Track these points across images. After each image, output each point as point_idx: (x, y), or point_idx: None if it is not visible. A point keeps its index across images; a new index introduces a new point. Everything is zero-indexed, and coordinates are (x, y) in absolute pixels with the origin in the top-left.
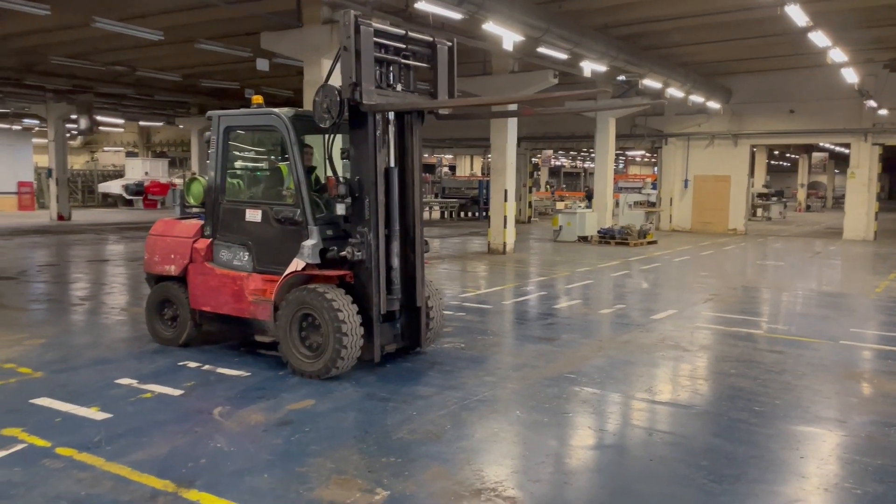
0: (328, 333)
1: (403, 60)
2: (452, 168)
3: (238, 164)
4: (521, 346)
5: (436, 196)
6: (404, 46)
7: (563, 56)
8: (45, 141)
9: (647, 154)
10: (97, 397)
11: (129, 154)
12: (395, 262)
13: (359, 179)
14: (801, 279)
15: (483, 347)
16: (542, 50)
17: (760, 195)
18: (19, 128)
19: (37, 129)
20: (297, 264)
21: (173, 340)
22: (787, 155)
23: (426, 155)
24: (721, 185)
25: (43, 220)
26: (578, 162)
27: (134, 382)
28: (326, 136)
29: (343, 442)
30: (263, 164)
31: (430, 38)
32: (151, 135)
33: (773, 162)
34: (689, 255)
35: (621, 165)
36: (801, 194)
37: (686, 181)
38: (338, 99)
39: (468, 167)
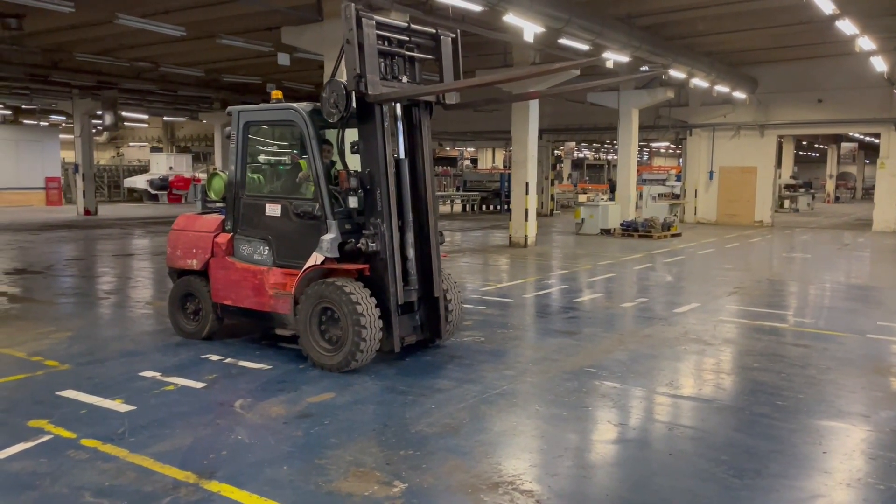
0: (347, 326)
1: (408, 52)
2: (474, 161)
3: (258, 158)
4: (541, 339)
5: (457, 189)
6: (408, 38)
7: (584, 47)
8: (72, 137)
9: (672, 145)
10: (122, 389)
11: (154, 149)
12: (410, 252)
13: (369, 172)
14: (828, 272)
15: (503, 341)
16: (563, 41)
17: (788, 186)
18: (46, 124)
19: (63, 125)
20: (316, 258)
21: (196, 334)
22: (816, 145)
23: (448, 148)
24: (747, 176)
25: (70, 215)
26: (602, 154)
27: (157, 375)
28: (338, 130)
29: (362, 434)
30: (283, 159)
31: (434, 30)
32: (176, 130)
33: (801, 152)
34: (714, 248)
35: (645, 157)
36: (830, 185)
37: (711, 172)
38: (344, 92)
39: (490, 160)
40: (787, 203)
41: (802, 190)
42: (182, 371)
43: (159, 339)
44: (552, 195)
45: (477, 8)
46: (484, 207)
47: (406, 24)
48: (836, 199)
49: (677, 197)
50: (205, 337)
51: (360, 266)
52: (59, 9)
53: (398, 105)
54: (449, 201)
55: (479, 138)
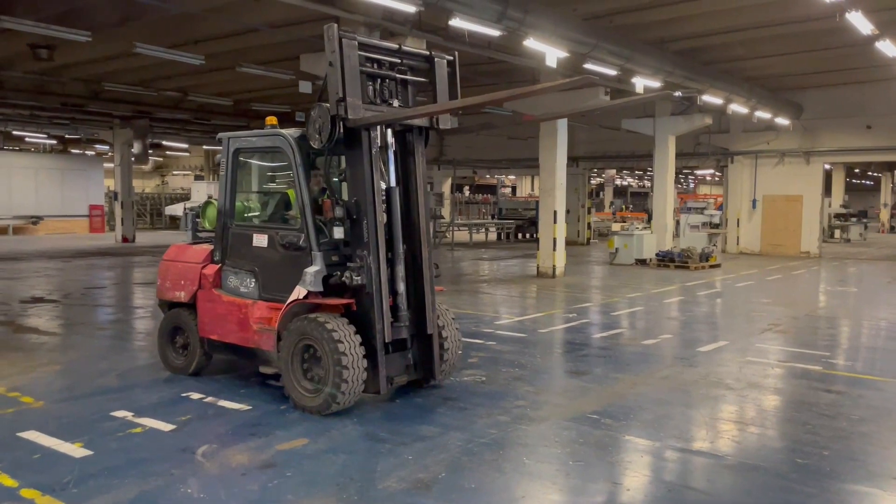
0: (328, 366)
1: (399, 75)
2: (514, 189)
3: (246, 186)
4: (547, 380)
5: (493, 217)
6: (399, 61)
7: (612, 72)
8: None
9: (718, 173)
10: (85, 431)
11: (198, 177)
12: (401, 286)
13: (356, 200)
14: (874, 308)
15: (505, 381)
16: (588, 66)
17: (838, 215)
18: (92, 153)
19: (109, 153)
20: (299, 292)
21: (183, 369)
22: (869, 173)
23: (487, 175)
24: (792, 205)
25: (108, 243)
26: (646, 181)
27: (129, 415)
28: (325, 157)
29: (322, 490)
30: (270, 187)
31: (427, 52)
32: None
33: (853, 180)
34: (754, 280)
35: (691, 185)
36: (885, 214)
37: (754, 201)
38: (328, 117)
39: (529, 187)
40: (837, 233)
41: (854, 219)
42: (156, 411)
43: (146, 375)
44: (589, 223)
45: (495, 33)
46: (519, 235)
47: (397, 46)
48: (892, 228)
49: (717, 226)
50: (192, 373)
51: (346, 301)
52: (75, 38)
53: (389, 130)
54: (484, 229)
55: (515, 166)
